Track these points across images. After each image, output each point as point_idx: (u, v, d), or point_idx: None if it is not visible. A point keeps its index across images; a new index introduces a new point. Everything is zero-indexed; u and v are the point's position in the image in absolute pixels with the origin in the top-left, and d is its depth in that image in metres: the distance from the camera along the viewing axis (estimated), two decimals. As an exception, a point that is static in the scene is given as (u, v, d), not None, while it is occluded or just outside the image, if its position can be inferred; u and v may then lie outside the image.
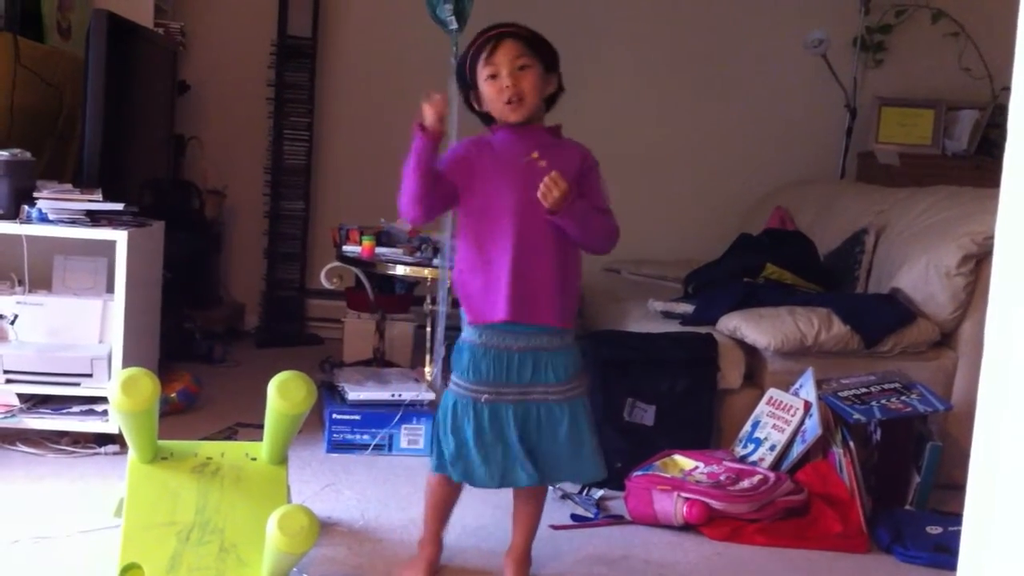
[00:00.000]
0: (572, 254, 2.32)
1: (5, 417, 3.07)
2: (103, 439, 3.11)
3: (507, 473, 2.28)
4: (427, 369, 3.81)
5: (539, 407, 2.29)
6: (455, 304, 2.47)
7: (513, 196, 2.25)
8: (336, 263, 3.99)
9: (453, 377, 2.33)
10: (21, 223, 3.07)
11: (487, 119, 2.35)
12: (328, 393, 3.50)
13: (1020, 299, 1.07)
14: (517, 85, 2.25)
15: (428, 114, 2.20)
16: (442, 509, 2.44)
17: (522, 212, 2.25)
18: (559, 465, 2.31)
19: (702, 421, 3.18)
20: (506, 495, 2.45)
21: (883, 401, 3.01)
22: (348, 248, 3.94)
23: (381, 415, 3.32)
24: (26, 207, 3.09)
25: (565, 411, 2.30)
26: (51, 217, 3.08)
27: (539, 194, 2.19)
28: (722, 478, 2.87)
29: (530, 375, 2.28)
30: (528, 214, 2.24)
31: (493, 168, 2.28)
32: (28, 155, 3.24)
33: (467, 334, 2.32)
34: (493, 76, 2.26)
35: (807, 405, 3.01)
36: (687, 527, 2.80)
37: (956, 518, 1.11)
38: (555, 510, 2.86)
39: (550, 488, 2.89)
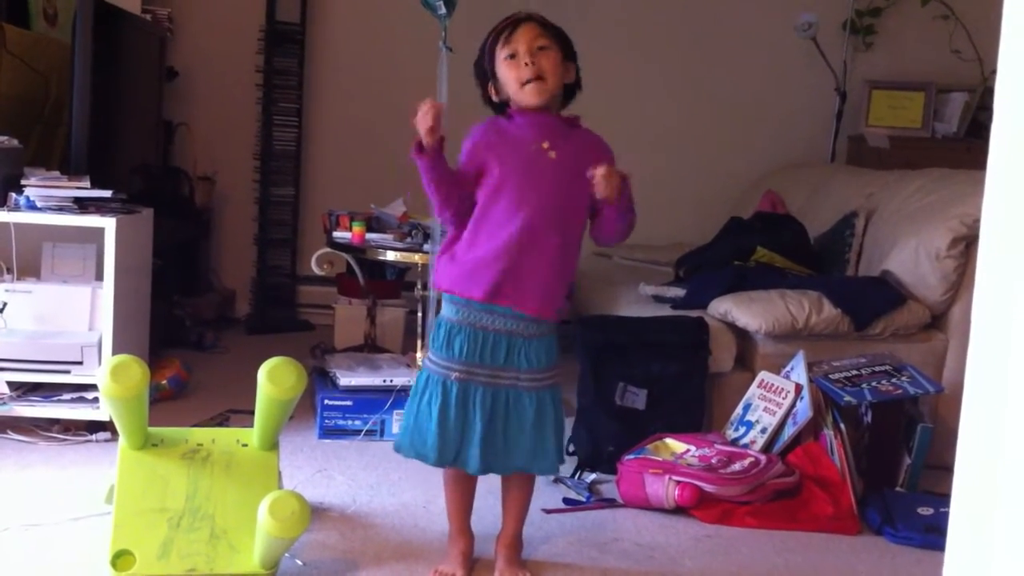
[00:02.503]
0: (572, 246, 2.31)
1: (-5, 405, 3.06)
2: (94, 426, 3.11)
3: (458, 455, 2.28)
4: (418, 355, 3.80)
5: (508, 392, 2.28)
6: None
7: (518, 182, 2.24)
8: (327, 249, 3.98)
9: (428, 353, 2.33)
10: (9, 211, 3.06)
11: (501, 109, 2.32)
12: (320, 379, 3.50)
13: (1007, 281, 1.07)
14: (537, 64, 2.22)
15: (421, 129, 2.16)
16: (461, 502, 2.43)
17: (525, 199, 2.23)
18: (519, 453, 2.30)
19: (693, 404, 3.18)
20: (497, 480, 2.45)
21: (874, 383, 3.02)
22: (338, 234, 3.93)
23: (373, 401, 3.32)
24: (13, 194, 3.08)
25: (533, 400, 2.28)
26: (39, 204, 3.07)
27: (598, 193, 2.17)
28: (713, 461, 2.87)
29: (503, 358, 2.27)
30: (531, 202, 2.23)
31: (505, 152, 2.26)
32: (15, 142, 3.22)
33: (446, 311, 2.31)
34: (512, 56, 2.24)
35: (798, 388, 3.02)
36: (679, 510, 2.81)
37: (947, 499, 1.11)
38: (547, 493, 2.87)
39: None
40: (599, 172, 2.17)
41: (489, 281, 2.23)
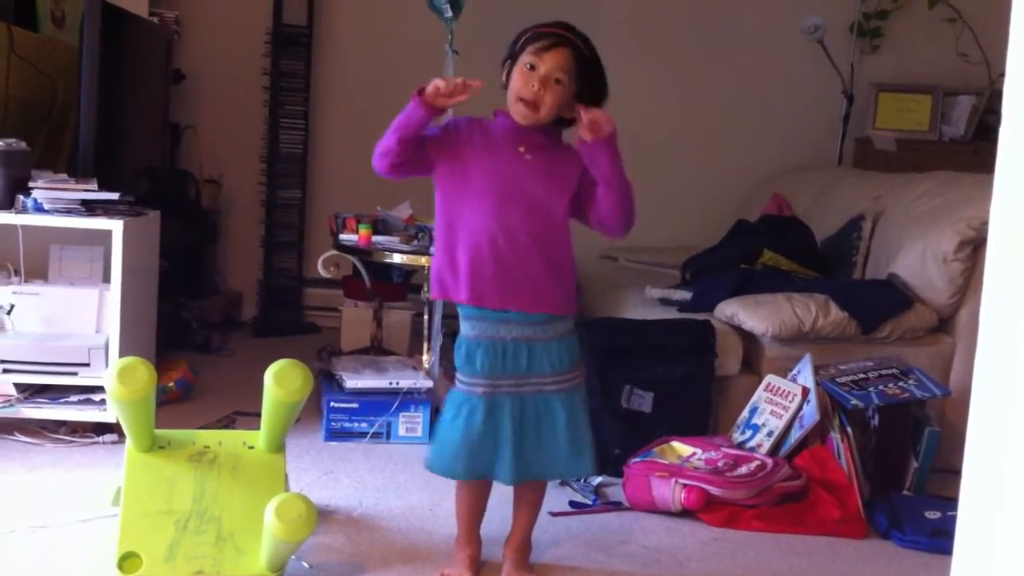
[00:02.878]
0: (559, 241, 2.28)
1: (3, 407, 3.07)
2: (101, 428, 3.11)
3: (487, 467, 2.28)
4: (424, 357, 3.80)
5: (536, 400, 2.27)
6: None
7: (493, 181, 2.23)
8: (333, 252, 3.98)
9: (456, 373, 2.33)
10: (16, 213, 3.06)
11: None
12: (326, 381, 3.50)
13: (1015, 284, 1.07)
14: (541, 93, 2.21)
15: (437, 87, 2.17)
16: (474, 508, 2.43)
17: (500, 198, 2.22)
18: (556, 458, 2.29)
19: (700, 407, 3.18)
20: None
21: (881, 387, 3.01)
22: (345, 236, 3.93)
23: (379, 403, 3.32)
24: (21, 197, 3.08)
25: (564, 402, 2.28)
26: (46, 207, 3.07)
27: (585, 122, 2.16)
28: (720, 464, 2.87)
29: (526, 365, 2.26)
30: (505, 203, 2.22)
31: (481, 150, 2.26)
32: (23, 145, 3.23)
33: (463, 328, 2.31)
34: (531, 67, 2.22)
35: (805, 391, 3.01)
36: (685, 513, 2.81)
37: (954, 503, 1.11)
38: (554, 497, 2.86)
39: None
40: (584, 113, 2.16)
41: (471, 283, 2.23)
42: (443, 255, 2.28)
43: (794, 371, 3.12)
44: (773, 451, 2.99)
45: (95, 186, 3.15)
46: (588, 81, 2.25)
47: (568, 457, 2.30)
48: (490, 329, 2.26)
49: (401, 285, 4.33)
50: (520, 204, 2.23)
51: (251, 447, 2.36)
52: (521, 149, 2.26)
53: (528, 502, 2.42)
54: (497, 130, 2.29)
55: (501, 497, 2.48)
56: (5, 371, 3.07)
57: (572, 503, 2.87)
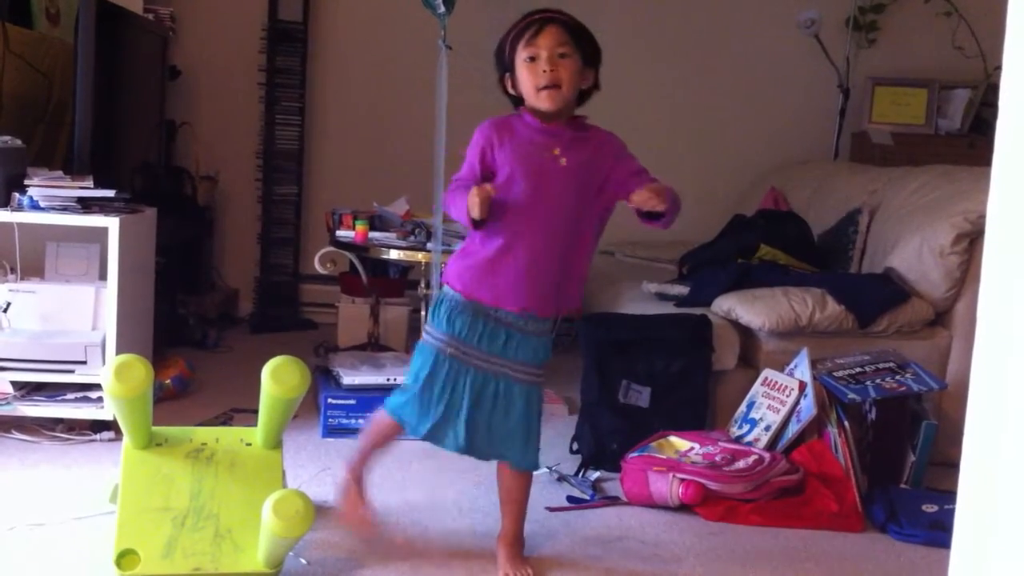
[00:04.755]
0: (584, 247, 2.31)
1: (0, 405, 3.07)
2: (98, 426, 3.11)
3: (438, 431, 2.32)
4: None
5: (499, 382, 2.30)
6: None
7: (529, 186, 2.24)
8: (330, 248, 3.98)
9: (427, 326, 2.35)
10: (12, 211, 3.06)
11: (517, 102, 2.32)
12: (323, 378, 3.50)
13: (1014, 277, 1.07)
14: (555, 71, 2.22)
15: (476, 206, 2.16)
16: (381, 445, 2.51)
17: (536, 205, 2.24)
18: (502, 443, 2.33)
19: (697, 402, 3.18)
20: (492, 480, 2.45)
21: (878, 380, 3.01)
22: (341, 233, 3.93)
23: (376, 399, 3.26)
24: (17, 194, 3.08)
25: (523, 394, 2.31)
26: (42, 204, 3.07)
27: (646, 207, 2.17)
28: (717, 459, 2.87)
29: (500, 347, 2.29)
30: (541, 208, 2.24)
31: (513, 154, 2.26)
32: (18, 142, 3.22)
33: (450, 292, 2.32)
34: (532, 59, 2.23)
35: (802, 385, 3.01)
36: (683, 508, 2.81)
37: (951, 496, 1.11)
38: (551, 492, 2.87)
39: (546, 470, 2.91)
40: (638, 199, 2.17)
41: (498, 286, 2.26)
42: (474, 255, 2.29)
43: (791, 365, 3.13)
44: (770, 445, 3.00)
45: (91, 183, 3.14)
46: (585, 44, 2.28)
47: (517, 445, 2.33)
48: (479, 306, 2.29)
49: (398, 281, 4.33)
50: (554, 216, 2.25)
51: (248, 444, 2.36)
52: (556, 152, 2.26)
53: (513, 498, 2.44)
54: (525, 132, 2.28)
55: (491, 489, 2.49)
56: (2, 369, 3.06)
57: (570, 498, 2.88)
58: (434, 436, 2.34)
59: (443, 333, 2.30)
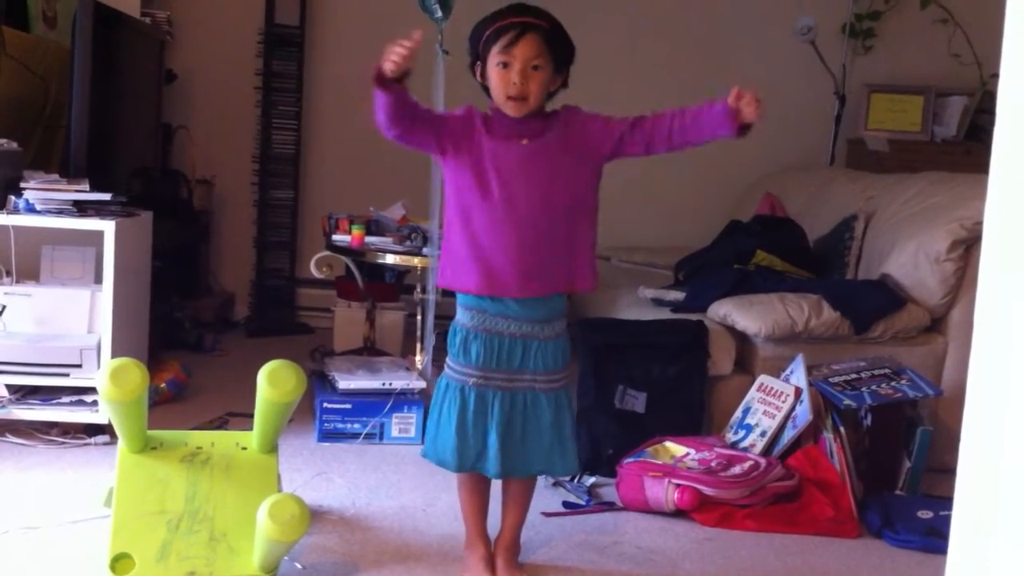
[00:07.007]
0: (579, 220, 2.29)
1: (-6, 408, 3.06)
2: (93, 429, 3.10)
3: (476, 460, 2.30)
4: (418, 358, 3.80)
5: (526, 396, 2.29)
6: (445, 293, 2.46)
7: (502, 175, 2.24)
8: (326, 252, 3.98)
9: (447, 359, 2.34)
10: (8, 214, 3.05)
11: (487, 92, 2.32)
12: (319, 382, 3.49)
13: (1010, 284, 1.07)
14: (525, 84, 2.21)
15: (394, 58, 2.09)
16: (477, 506, 2.42)
17: (510, 192, 2.23)
18: (539, 455, 2.31)
19: (693, 407, 3.18)
20: (497, 483, 2.44)
21: (873, 387, 3.02)
22: (338, 237, 3.93)
23: (372, 404, 3.32)
24: (13, 197, 3.08)
25: (551, 401, 2.31)
26: (38, 207, 3.07)
27: (750, 112, 2.24)
28: (713, 464, 2.87)
29: (519, 361, 2.29)
30: (516, 194, 2.23)
31: (487, 144, 2.26)
32: (15, 145, 3.22)
33: (460, 316, 2.32)
34: (505, 65, 2.23)
35: (798, 391, 3.01)
36: (678, 513, 2.81)
37: (947, 502, 1.11)
38: (547, 497, 2.87)
39: (541, 476, 2.90)
40: (735, 99, 2.24)
41: (484, 274, 2.24)
42: (455, 245, 2.28)
43: (787, 371, 3.13)
44: (766, 451, 3.00)
45: (87, 187, 3.14)
46: (560, 52, 2.26)
47: (553, 455, 2.32)
48: (488, 322, 2.28)
49: (394, 286, 4.32)
50: (529, 197, 2.23)
51: (244, 448, 2.35)
52: (524, 142, 2.26)
53: (516, 501, 2.43)
54: (497, 124, 2.28)
55: (493, 497, 2.48)
56: (-3, 372, 3.06)
57: (565, 503, 2.87)
58: (476, 466, 2.31)
59: (463, 365, 2.29)
